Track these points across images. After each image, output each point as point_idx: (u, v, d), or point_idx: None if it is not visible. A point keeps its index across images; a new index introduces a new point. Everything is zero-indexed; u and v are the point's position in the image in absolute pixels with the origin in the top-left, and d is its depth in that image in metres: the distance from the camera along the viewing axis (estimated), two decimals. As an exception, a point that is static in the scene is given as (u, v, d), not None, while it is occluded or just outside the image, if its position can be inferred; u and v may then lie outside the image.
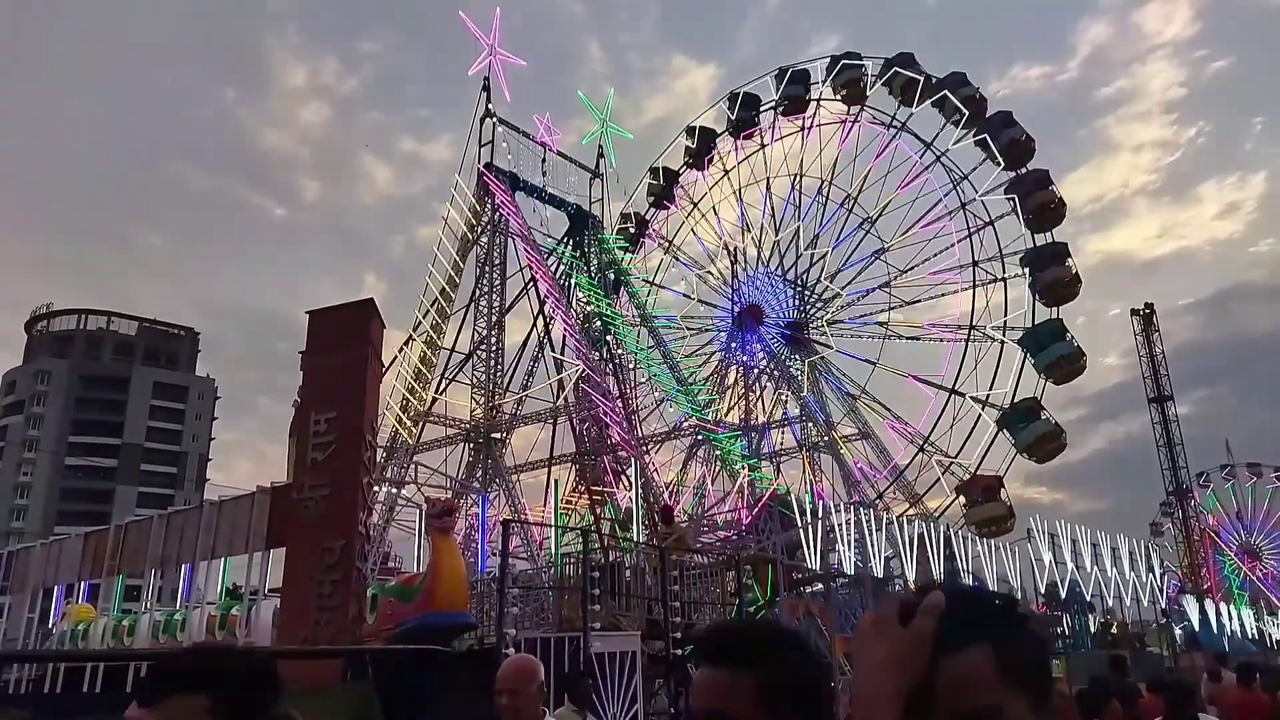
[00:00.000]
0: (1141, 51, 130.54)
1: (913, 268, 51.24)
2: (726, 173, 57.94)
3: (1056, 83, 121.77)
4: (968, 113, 48.09)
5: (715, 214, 58.28)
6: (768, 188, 56.57)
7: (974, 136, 48.18)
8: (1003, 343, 46.69)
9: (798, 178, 55.17)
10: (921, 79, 49.52)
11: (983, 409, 46.17)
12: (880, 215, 52.02)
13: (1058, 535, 34.31)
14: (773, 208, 56.75)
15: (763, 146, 56.81)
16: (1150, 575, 39.25)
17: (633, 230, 58.29)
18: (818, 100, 54.28)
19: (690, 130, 58.35)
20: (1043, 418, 44.23)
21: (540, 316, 45.82)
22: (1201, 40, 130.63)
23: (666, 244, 59.20)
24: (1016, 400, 45.26)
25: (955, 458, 47.05)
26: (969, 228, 49.48)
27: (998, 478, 44.26)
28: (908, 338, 51.48)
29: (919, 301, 52.06)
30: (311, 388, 16.41)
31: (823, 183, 54.21)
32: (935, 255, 50.49)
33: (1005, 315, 47.17)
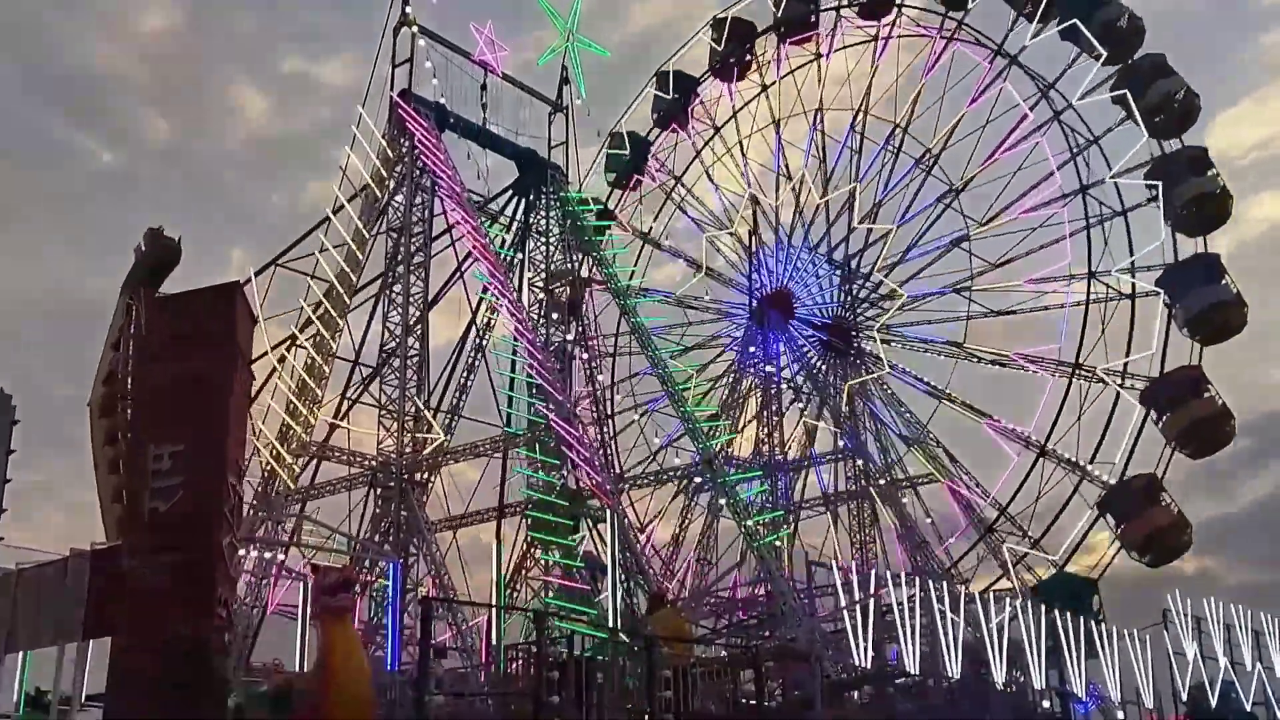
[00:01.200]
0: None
1: (1005, 263, 51.25)
2: (765, 89, 57.53)
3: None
4: (1105, 52, 47.83)
5: (742, 150, 57.93)
6: (818, 120, 56.34)
7: (1111, 90, 48.08)
8: (1119, 390, 46.69)
9: (861, 114, 55.03)
10: None
11: (1078, 485, 46.35)
12: (968, 185, 52.11)
13: (1206, 619, 34.54)
14: (823, 151, 56.65)
15: (818, 57, 56.35)
16: (1337, 674, 39.63)
17: (626, 156, 57.61)
18: (900, 2, 53.93)
19: (718, 23, 57.59)
20: (1163, 504, 44.42)
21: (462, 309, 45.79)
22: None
23: (673, 181, 58.85)
24: (1129, 476, 45.40)
25: (1037, 543, 47.15)
26: (1088, 218, 49.41)
27: (1090, 582, 44.55)
28: (990, 362, 51.60)
29: (1010, 314, 51.97)
30: (147, 409, 16.37)
31: (895, 127, 54.18)
32: (1038, 250, 50.52)
33: (1127, 354, 47.14)
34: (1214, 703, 34.24)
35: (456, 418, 45.99)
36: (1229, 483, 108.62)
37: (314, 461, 41.27)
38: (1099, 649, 30.33)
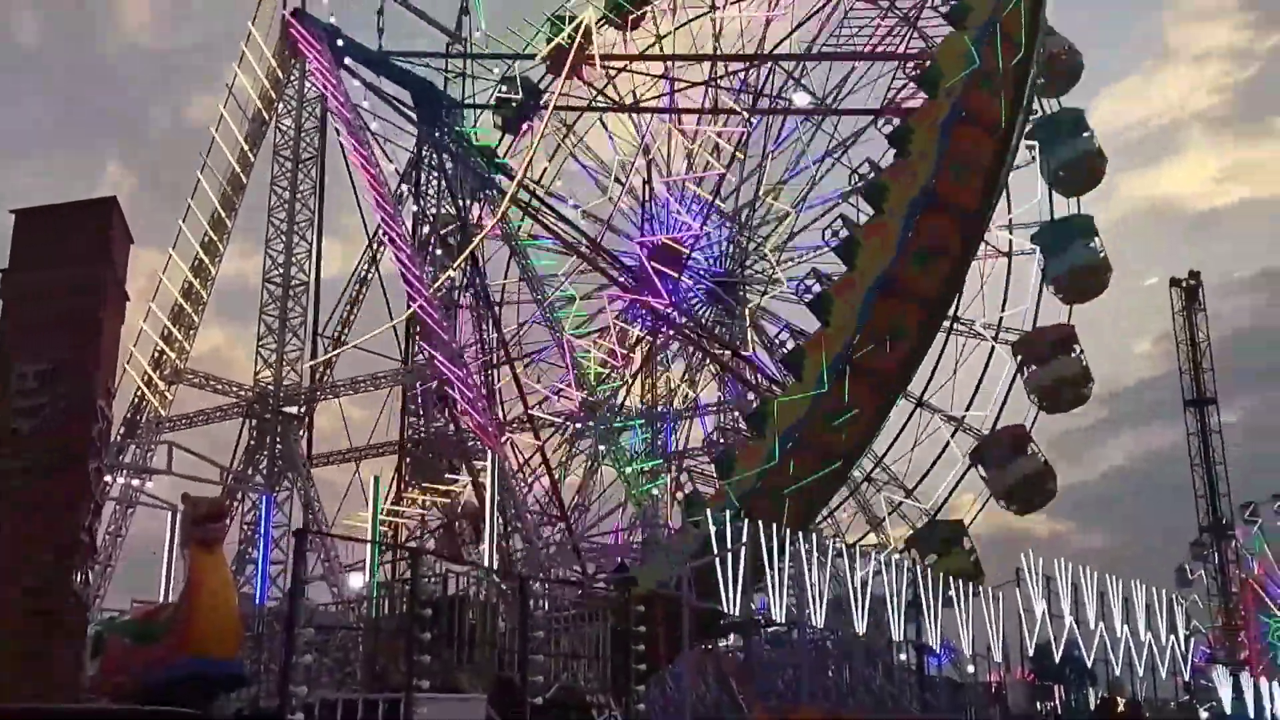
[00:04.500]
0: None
1: None
2: (660, 39, 57.55)
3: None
4: None
5: (635, 99, 57.81)
6: (712, 70, 56.46)
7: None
8: (994, 345, 48.69)
9: (751, 64, 55.26)
10: None
11: (954, 435, 48.25)
12: (859, 136, 52.77)
13: (1055, 579, 36.49)
14: (715, 101, 56.87)
15: (713, 9, 56.58)
16: (1172, 637, 42.18)
17: (515, 103, 56.99)
18: None
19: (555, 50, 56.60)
20: (1029, 453, 46.65)
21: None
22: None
23: (564, 129, 58.56)
24: (999, 428, 47.43)
25: (911, 493, 48.98)
26: None
27: (959, 524, 46.54)
28: None
29: None
30: (15, 325, 15.84)
31: (789, 77, 54.49)
32: None
33: (1003, 308, 49.07)
34: (1058, 658, 36.27)
35: (335, 349, 45.23)
36: (1083, 450, 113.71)
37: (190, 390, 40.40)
38: (955, 602, 31.73)
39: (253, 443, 39.41)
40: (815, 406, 36.33)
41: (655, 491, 43.69)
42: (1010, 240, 49.36)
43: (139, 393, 38.30)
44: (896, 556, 34.06)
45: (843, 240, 38.48)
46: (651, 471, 45.75)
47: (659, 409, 51.98)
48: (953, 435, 48.28)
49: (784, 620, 28.21)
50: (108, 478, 25.33)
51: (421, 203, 46.79)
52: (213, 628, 14.82)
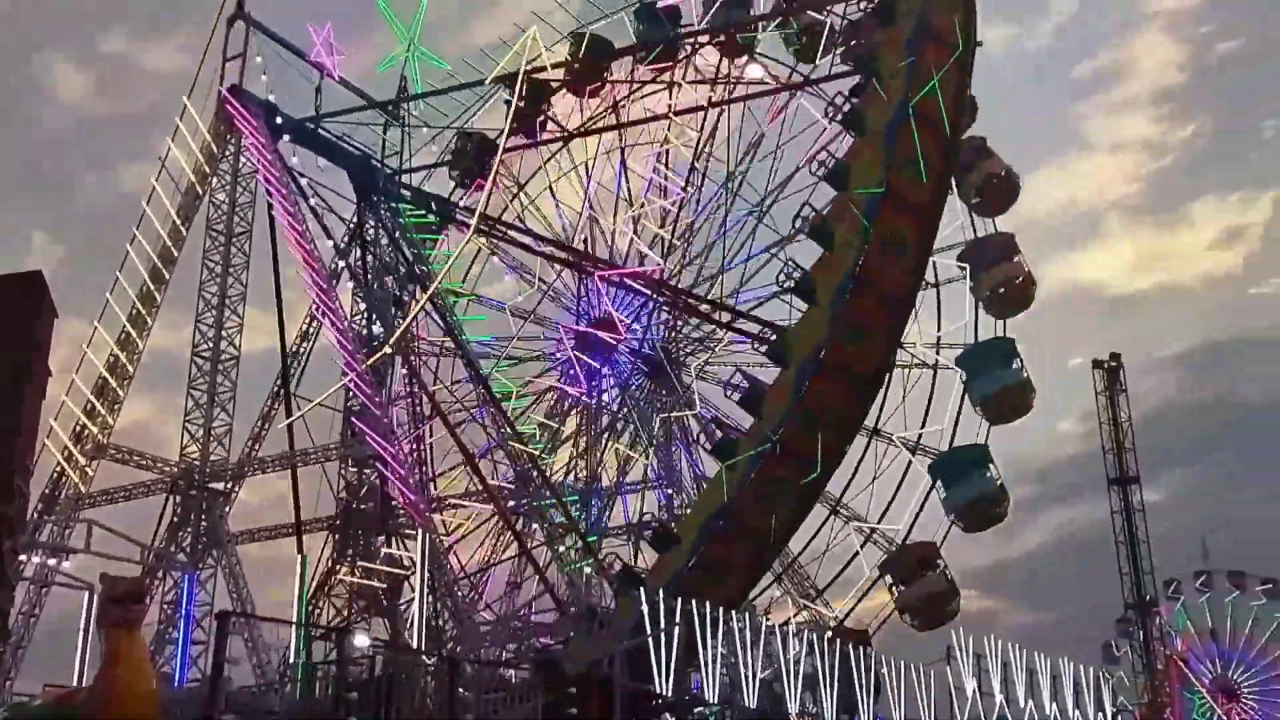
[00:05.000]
0: (1134, 18, 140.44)
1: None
2: (567, 142, 58.03)
3: (1024, 50, 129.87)
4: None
5: (553, 195, 58.50)
6: (622, 161, 57.39)
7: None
8: (936, 367, 49.67)
9: (662, 150, 56.15)
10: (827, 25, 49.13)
11: (914, 455, 48.63)
12: (774, 200, 53.54)
13: (985, 657, 36.79)
14: (629, 190, 57.67)
15: (615, 108, 57.67)
16: (1100, 715, 42.58)
17: (433, 216, 57.12)
18: (690, 45, 54.90)
19: (511, 81, 56.74)
20: (989, 474, 47.29)
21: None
22: (1208, 12, 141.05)
23: (487, 228, 58.79)
24: (957, 445, 48.05)
25: (877, 526, 49.12)
26: None
27: (932, 545, 46.84)
28: None
29: None
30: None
31: (697, 153, 55.37)
32: None
33: (939, 330, 50.07)
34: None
35: (268, 425, 44.64)
36: (1011, 528, 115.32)
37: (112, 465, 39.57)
38: (885, 682, 31.79)
39: (176, 519, 38.58)
40: (833, 327, 39.30)
41: (587, 569, 43.31)
42: (937, 359, 49.69)
43: (58, 468, 37.43)
44: (829, 634, 34.10)
45: (830, 169, 41.78)
46: (584, 547, 45.33)
47: (599, 480, 51.92)
48: (913, 454, 48.33)
49: (717, 700, 28.00)
50: (22, 556, 24.63)
51: (359, 277, 46.74)
52: (129, 712, 14.41)
